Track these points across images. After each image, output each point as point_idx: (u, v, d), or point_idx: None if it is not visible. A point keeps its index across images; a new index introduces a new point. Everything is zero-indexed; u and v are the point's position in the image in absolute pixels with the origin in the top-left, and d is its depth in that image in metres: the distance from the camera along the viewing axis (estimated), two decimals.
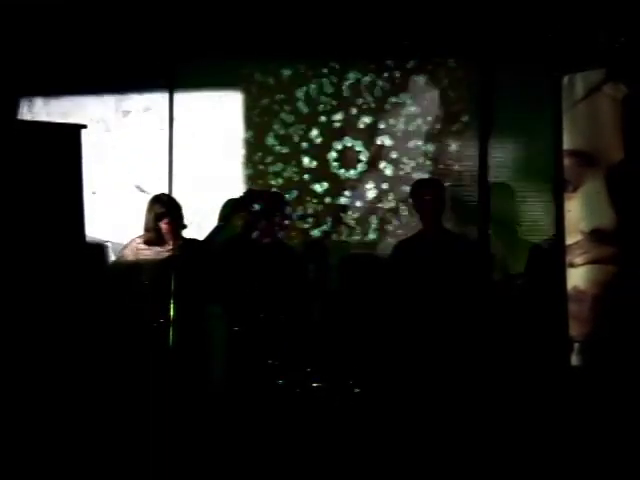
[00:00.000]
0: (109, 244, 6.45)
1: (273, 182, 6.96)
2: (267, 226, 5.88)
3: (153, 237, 5.75)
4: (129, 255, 5.77)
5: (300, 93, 6.99)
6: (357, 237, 6.83)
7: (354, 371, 5.69)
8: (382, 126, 6.90)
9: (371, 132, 6.88)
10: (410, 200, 6.07)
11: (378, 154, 6.85)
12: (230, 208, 5.90)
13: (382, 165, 6.88)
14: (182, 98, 7.01)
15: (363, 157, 6.90)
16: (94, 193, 6.57)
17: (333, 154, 6.92)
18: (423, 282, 5.68)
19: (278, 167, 7.01)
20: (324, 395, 5.59)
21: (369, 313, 5.86)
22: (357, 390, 5.64)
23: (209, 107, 7.04)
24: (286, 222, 6.06)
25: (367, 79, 6.93)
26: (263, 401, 5.55)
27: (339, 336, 5.84)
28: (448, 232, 5.88)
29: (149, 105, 7.10)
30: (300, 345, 5.71)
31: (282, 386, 5.60)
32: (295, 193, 6.86)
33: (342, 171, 6.93)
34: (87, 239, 5.61)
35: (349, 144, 6.91)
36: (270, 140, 7.05)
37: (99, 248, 6.34)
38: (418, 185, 5.98)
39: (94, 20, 6.54)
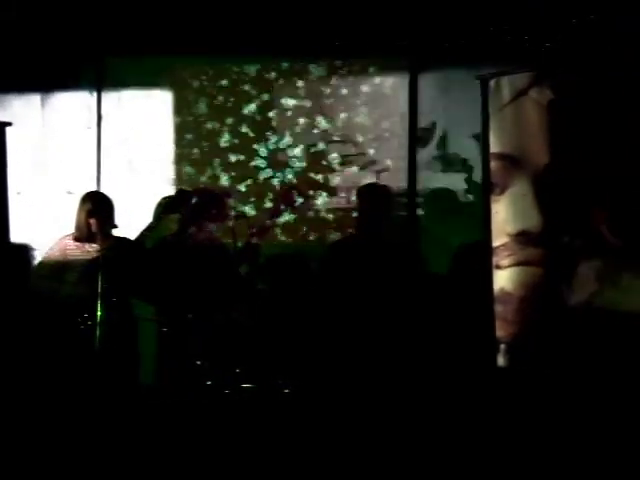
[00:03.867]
0: (34, 245, 6.49)
1: (207, 181, 6.95)
2: (199, 226, 5.89)
3: (83, 235, 5.70)
4: (57, 253, 5.73)
5: (232, 91, 7.01)
6: (291, 237, 6.90)
7: (284, 372, 5.77)
8: (317, 128, 6.92)
9: (307, 132, 6.89)
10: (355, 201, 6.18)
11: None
12: (162, 208, 5.92)
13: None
14: (111, 96, 7.01)
15: (296, 158, 6.93)
16: (19, 193, 6.58)
17: (265, 152, 6.96)
18: (354, 284, 5.77)
19: (211, 166, 7.01)
20: (253, 396, 5.63)
21: (300, 314, 5.98)
22: (286, 391, 5.71)
23: (139, 105, 7.02)
24: (219, 222, 6.06)
25: (303, 76, 6.97)
26: (192, 402, 5.58)
27: (270, 337, 5.93)
28: (383, 238, 5.96)
29: (76, 103, 7.06)
30: (229, 346, 5.76)
31: (211, 387, 5.64)
32: (230, 192, 6.85)
33: (273, 171, 6.96)
34: (11, 240, 5.73)
35: (283, 143, 6.94)
36: (203, 138, 7.03)
37: (24, 249, 6.40)
38: (366, 189, 6.08)
39: (17, 13, 6.52)
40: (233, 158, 6.99)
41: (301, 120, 6.88)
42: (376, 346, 5.64)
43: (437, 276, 6.02)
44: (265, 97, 6.98)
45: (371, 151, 6.77)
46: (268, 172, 6.89)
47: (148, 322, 5.77)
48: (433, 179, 6.58)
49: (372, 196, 5.94)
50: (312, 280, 6.07)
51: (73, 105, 7.05)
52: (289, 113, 6.96)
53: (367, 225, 5.90)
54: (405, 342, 5.63)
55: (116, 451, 5.26)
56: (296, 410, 5.64)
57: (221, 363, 5.65)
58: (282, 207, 6.78)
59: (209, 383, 5.62)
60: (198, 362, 5.62)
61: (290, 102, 6.90)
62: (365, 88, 6.78)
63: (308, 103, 6.92)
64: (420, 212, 6.54)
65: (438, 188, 6.51)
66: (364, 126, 6.78)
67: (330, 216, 6.79)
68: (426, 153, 6.63)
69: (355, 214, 6.24)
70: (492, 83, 5.30)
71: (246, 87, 6.99)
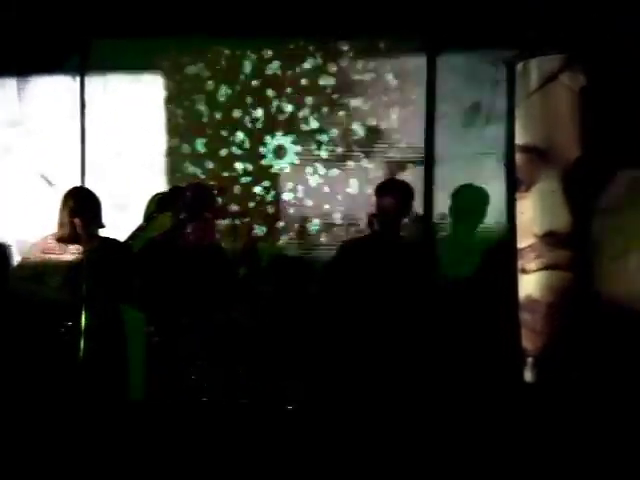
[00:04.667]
0: (12, 244, 6.29)
1: (202, 176, 6.77)
2: (195, 225, 5.64)
3: (66, 234, 5.48)
4: (38, 254, 5.53)
5: (232, 75, 6.78)
6: (293, 238, 6.71)
7: (289, 387, 5.60)
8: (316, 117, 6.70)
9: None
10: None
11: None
12: (155, 205, 5.72)
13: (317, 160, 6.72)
14: (96, 80, 6.80)
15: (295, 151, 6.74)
16: None
17: (266, 144, 6.75)
18: (369, 287, 5.57)
19: (208, 158, 6.80)
20: (253, 413, 5.48)
21: (306, 320, 5.78)
22: (289, 407, 5.55)
23: (128, 90, 6.82)
24: (217, 221, 5.96)
25: (302, 60, 6.71)
26: (185, 420, 5.41)
27: (272, 347, 5.74)
28: (402, 237, 5.75)
29: (57, 88, 6.84)
30: (228, 357, 5.57)
31: (207, 404, 5.46)
32: (226, 188, 6.67)
33: (276, 164, 6.76)
34: None
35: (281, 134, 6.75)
36: (200, 128, 6.82)
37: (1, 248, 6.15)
38: (385, 185, 5.83)
39: None
40: (236, 150, 6.77)
41: (305, 109, 6.70)
42: (386, 358, 5.45)
43: (457, 281, 5.74)
44: (269, 81, 6.74)
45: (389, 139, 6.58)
46: (274, 165, 6.72)
47: (138, 331, 5.56)
48: (458, 173, 6.33)
49: (390, 192, 5.68)
50: (318, 282, 5.88)
51: (54, 91, 6.84)
52: (295, 99, 6.74)
53: (383, 223, 5.65)
54: (419, 355, 5.46)
55: (101, 472, 5.16)
56: (303, 422, 5.54)
57: (220, 377, 5.50)
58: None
59: (205, 399, 5.45)
60: (193, 377, 5.46)
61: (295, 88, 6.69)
62: (378, 72, 6.60)
63: (318, 88, 6.70)
64: (443, 210, 6.33)
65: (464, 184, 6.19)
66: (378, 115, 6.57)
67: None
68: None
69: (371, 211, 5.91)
70: (519, 67, 5.03)
71: (249, 70, 6.75)
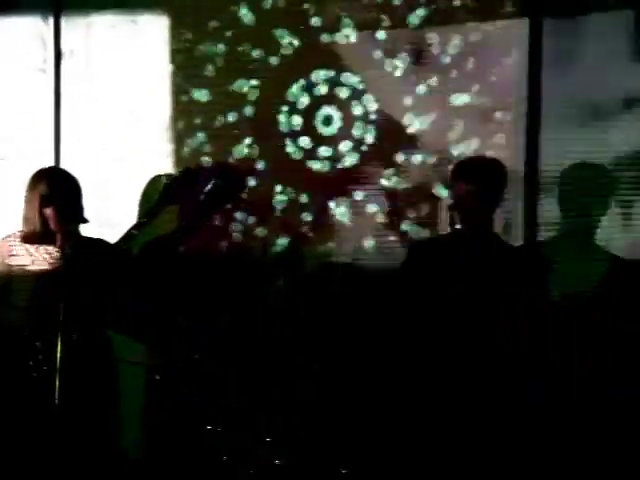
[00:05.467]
0: None
1: (221, 151, 5.82)
2: (215, 223, 5.20)
3: (34, 232, 4.84)
4: None
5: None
6: (347, 239, 5.83)
7: (342, 444, 4.90)
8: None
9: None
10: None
11: None
12: (157, 195, 5.05)
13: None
14: (73, 25, 6.03)
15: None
16: None
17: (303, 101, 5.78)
18: (451, 303, 4.82)
19: (222, 128, 5.89)
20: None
21: (364, 351, 5.11)
22: (344, 471, 4.87)
23: (116, 37, 6.03)
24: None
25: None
26: None
27: (319, 386, 5.05)
28: (497, 239, 5.03)
29: (24, 33, 6.09)
30: (256, 402, 4.89)
31: (228, 464, 4.79)
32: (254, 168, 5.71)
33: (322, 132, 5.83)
34: None
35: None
36: (212, 85, 5.93)
37: None
38: (461, 167, 5.04)
39: None
40: (258, 117, 5.83)
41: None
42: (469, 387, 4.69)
43: (570, 298, 4.79)
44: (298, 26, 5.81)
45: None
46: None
47: (134, 366, 4.93)
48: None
49: (473, 176, 4.91)
50: (386, 297, 5.13)
51: (19, 37, 6.12)
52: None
53: (465, 218, 4.88)
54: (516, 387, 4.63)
55: None
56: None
57: (244, 428, 4.83)
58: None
59: (225, 458, 4.77)
60: (209, 427, 4.79)
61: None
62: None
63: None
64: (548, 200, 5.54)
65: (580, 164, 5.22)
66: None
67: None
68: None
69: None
70: None
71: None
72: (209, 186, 4.98)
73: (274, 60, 5.84)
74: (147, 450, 5.01)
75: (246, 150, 5.91)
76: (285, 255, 5.42)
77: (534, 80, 5.67)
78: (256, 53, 5.96)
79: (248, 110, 5.99)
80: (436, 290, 4.93)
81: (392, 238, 5.86)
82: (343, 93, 5.76)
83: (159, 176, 5.50)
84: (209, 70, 5.95)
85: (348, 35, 5.77)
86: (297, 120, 5.84)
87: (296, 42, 5.83)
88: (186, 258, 5.15)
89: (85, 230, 5.03)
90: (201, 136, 5.99)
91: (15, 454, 4.68)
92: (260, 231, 5.62)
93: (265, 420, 4.91)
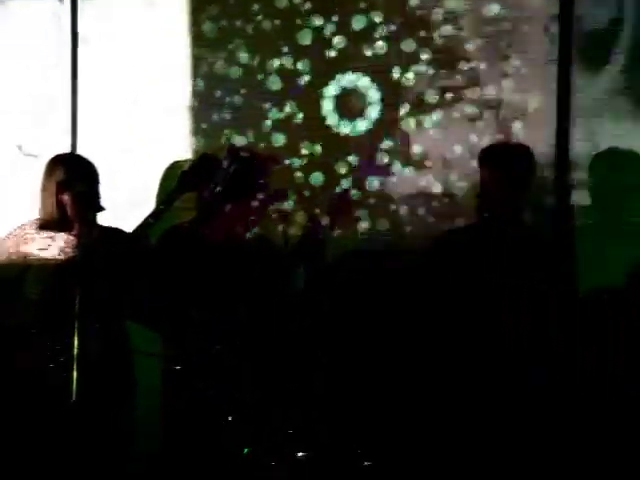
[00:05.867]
0: None
1: (238, 138, 5.78)
2: (236, 211, 4.80)
3: (51, 220, 4.74)
4: (12, 249, 4.77)
5: None
6: (370, 226, 5.73)
7: (365, 433, 4.82)
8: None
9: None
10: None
11: None
12: (176, 181, 4.79)
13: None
14: (93, 4, 6.00)
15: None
16: None
17: (328, 94, 5.70)
18: (482, 294, 4.73)
19: (246, 113, 5.82)
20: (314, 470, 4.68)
21: (392, 344, 4.99)
22: (367, 464, 4.75)
23: (139, 18, 5.98)
24: (265, 203, 5.01)
25: None
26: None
27: (343, 377, 5.00)
28: (526, 226, 4.90)
29: (38, 14, 6.04)
30: (278, 393, 4.72)
31: (248, 457, 4.60)
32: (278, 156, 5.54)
33: (342, 123, 5.73)
34: None
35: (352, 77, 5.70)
36: (233, 70, 5.79)
37: None
38: (491, 151, 4.94)
39: None
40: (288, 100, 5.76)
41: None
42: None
43: (601, 294, 4.76)
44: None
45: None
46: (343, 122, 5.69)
47: (152, 358, 4.74)
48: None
49: (502, 162, 4.84)
50: (411, 290, 5.03)
51: (33, 18, 6.08)
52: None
53: (494, 206, 4.79)
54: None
55: None
56: None
57: (265, 420, 4.64)
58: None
59: (246, 451, 4.56)
60: (230, 418, 4.58)
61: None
62: None
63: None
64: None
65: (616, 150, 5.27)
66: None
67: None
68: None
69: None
70: None
71: None
72: (228, 172, 4.80)
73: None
74: (164, 442, 4.82)
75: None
76: (306, 243, 5.17)
77: None
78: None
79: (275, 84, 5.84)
80: (465, 279, 4.80)
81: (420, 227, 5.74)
82: None
83: (177, 162, 5.50)
84: (230, 49, 5.84)
85: None
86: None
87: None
88: (205, 247, 4.92)
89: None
90: (223, 117, 5.88)
91: (30, 446, 4.57)
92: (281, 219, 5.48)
93: (284, 413, 4.75)
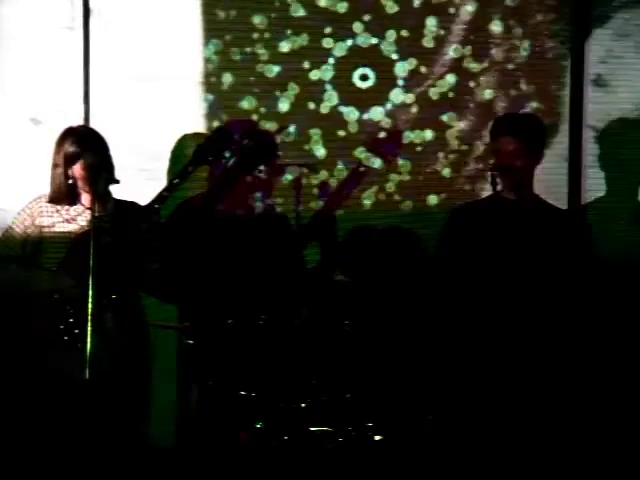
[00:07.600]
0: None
1: (253, 114, 5.73)
2: (249, 184, 4.98)
3: (63, 194, 4.69)
4: (27, 223, 4.75)
5: None
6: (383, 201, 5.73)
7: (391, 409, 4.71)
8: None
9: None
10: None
11: None
12: (190, 154, 4.84)
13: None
14: None
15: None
16: None
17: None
18: (496, 271, 4.69)
19: (260, 88, 5.76)
20: (336, 449, 4.60)
21: (405, 318, 5.03)
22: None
23: None
24: (275, 177, 5.17)
25: None
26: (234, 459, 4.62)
27: (355, 352, 4.91)
28: (541, 201, 4.82)
29: None
30: (293, 369, 4.79)
31: (264, 433, 4.63)
32: (292, 132, 5.54)
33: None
34: None
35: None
36: (248, 45, 5.75)
37: None
38: (502, 123, 4.92)
39: None
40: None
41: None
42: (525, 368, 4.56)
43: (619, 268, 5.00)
44: None
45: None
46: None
47: (166, 331, 4.86)
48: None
49: (520, 131, 4.79)
50: (423, 268, 5.15)
51: None
52: None
53: (508, 180, 4.76)
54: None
55: None
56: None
57: (281, 396, 4.69)
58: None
59: (262, 426, 4.60)
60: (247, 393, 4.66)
61: None
62: None
63: None
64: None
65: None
66: None
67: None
68: None
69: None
70: None
71: None
72: (236, 145, 4.87)
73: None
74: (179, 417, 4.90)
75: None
76: (317, 220, 5.28)
77: None
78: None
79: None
80: (484, 255, 4.74)
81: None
82: None
83: (188, 135, 5.48)
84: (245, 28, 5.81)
85: None
86: None
87: None
88: (223, 218, 5.02)
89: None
90: (235, 94, 5.86)
91: (45, 418, 4.57)
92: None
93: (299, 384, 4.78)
